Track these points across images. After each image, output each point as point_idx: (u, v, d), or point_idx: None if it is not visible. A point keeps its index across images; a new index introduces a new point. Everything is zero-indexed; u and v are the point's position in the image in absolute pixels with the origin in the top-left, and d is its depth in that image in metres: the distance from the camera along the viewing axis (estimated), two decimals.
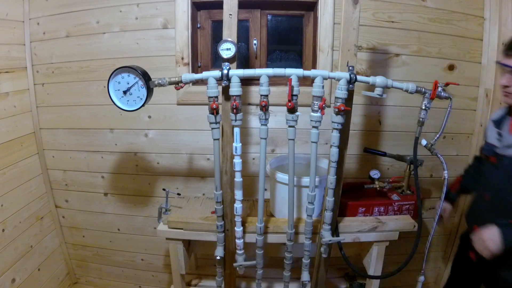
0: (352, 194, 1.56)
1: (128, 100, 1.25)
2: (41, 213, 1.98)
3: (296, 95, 1.17)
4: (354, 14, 1.17)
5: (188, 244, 1.59)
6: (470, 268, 1.44)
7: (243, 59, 1.85)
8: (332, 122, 1.20)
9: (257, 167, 1.79)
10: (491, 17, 1.69)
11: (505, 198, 1.19)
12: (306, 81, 1.73)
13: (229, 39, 1.20)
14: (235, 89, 1.18)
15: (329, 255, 1.42)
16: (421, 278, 1.45)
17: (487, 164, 1.32)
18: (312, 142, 1.22)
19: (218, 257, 1.40)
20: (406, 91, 1.20)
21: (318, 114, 1.18)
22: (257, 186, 1.45)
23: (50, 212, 2.05)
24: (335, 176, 1.26)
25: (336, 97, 1.18)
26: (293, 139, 1.23)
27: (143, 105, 1.24)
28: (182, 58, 1.71)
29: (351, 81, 1.17)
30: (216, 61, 1.87)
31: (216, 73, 1.19)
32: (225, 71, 1.18)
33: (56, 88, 1.87)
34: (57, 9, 1.77)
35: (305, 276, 1.44)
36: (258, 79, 1.19)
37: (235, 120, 1.22)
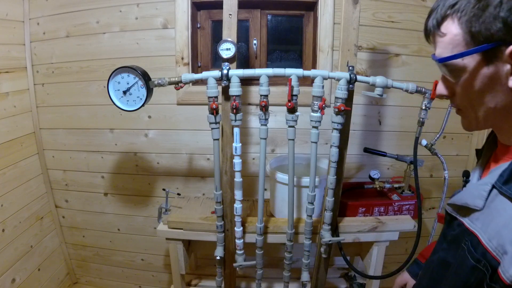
0: (352, 194, 1.56)
1: (128, 100, 1.25)
2: (41, 213, 1.98)
3: (296, 95, 1.17)
4: (354, 14, 1.17)
5: (188, 244, 1.59)
6: None
7: (243, 59, 1.85)
8: (332, 122, 1.20)
9: (257, 167, 1.79)
10: None
11: None
12: (306, 81, 1.73)
13: (229, 39, 1.20)
14: (235, 89, 1.18)
15: (329, 255, 1.42)
16: None
17: None
18: (312, 142, 1.22)
19: (218, 257, 1.40)
20: (406, 91, 1.20)
21: (318, 114, 1.18)
22: (257, 186, 1.45)
23: (50, 212, 2.05)
24: (335, 176, 1.26)
25: (336, 97, 1.17)
26: (293, 139, 1.23)
27: (143, 105, 1.24)
28: (182, 58, 1.71)
29: (351, 81, 1.16)
30: (216, 61, 1.87)
31: (216, 73, 1.19)
32: (225, 71, 1.18)
33: (56, 88, 1.87)
34: (57, 9, 1.76)
35: (305, 276, 1.44)
36: (258, 79, 1.19)
37: (235, 120, 1.22)
